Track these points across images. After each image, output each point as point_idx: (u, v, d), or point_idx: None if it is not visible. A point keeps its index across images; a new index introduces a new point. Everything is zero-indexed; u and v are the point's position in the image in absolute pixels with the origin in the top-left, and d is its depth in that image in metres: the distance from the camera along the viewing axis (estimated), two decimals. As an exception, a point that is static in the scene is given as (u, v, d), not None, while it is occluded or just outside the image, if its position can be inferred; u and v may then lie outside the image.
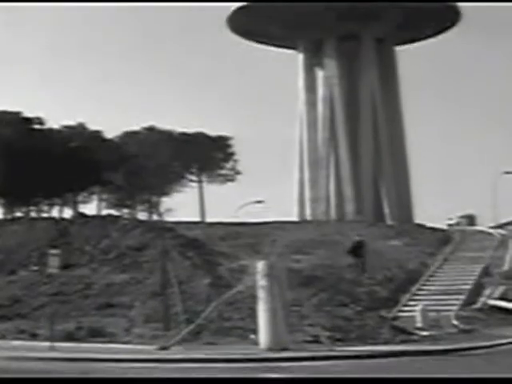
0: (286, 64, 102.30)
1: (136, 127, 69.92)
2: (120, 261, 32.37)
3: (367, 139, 74.98)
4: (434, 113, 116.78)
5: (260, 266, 21.70)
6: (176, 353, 20.38)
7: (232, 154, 72.51)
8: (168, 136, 69.98)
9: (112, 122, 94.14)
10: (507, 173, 61.83)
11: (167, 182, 69.57)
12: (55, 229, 37.32)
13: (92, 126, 63.54)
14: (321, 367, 17.92)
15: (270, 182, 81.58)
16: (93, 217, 47.07)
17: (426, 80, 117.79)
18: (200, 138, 71.09)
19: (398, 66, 78.76)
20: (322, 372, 17.01)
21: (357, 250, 34.57)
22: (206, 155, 70.66)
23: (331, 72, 76.07)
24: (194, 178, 72.45)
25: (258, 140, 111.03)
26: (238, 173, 72.51)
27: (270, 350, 20.49)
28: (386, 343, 22.21)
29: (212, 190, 72.03)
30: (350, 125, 74.89)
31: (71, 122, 63.18)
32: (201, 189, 72.48)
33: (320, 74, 78.21)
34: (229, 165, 72.56)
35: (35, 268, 31.64)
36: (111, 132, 65.55)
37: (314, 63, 77.90)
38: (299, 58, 78.53)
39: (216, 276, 29.19)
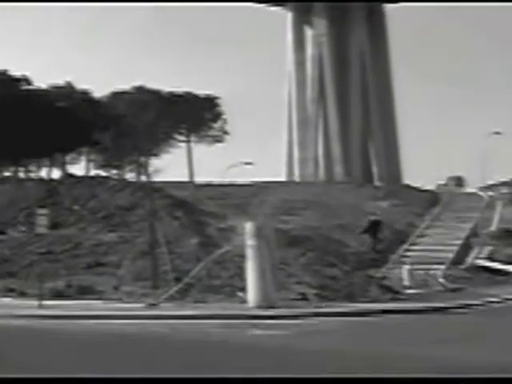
0: (275, 22, 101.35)
1: (125, 86, 69.46)
2: (109, 220, 32.39)
3: (356, 99, 74.70)
4: (423, 73, 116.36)
5: (248, 226, 21.77)
6: (165, 310, 20.52)
7: (220, 113, 72.10)
8: (156, 96, 69.46)
9: (100, 81, 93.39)
10: (496, 133, 61.84)
11: (156, 142, 69.26)
12: (44, 189, 37.23)
13: (80, 86, 63.07)
14: (308, 324, 18.08)
15: (259, 142, 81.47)
16: (81, 177, 46.91)
17: (416, 40, 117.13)
18: (188, 98, 70.62)
19: (388, 25, 78.12)
20: (308, 328, 17.16)
21: (372, 229, 33.19)
22: (195, 115, 70.26)
23: (320, 30, 75.47)
24: (182, 138, 72.14)
25: (247, 100, 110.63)
26: (226, 133, 72.21)
27: (258, 307, 20.66)
28: (373, 301, 22.41)
29: (201, 150, 71.85)
30: (338, 85, 74.48)
31: (59, 82, 62.62)
32: (189, 149, 72.27)
33: (309, 33, 77.60)
34: (217, 125, 72.19)
35: (23, 228, 31.62)
36: (100, 91, 65.19)
37: (302, 21, 77.18)
38: (288, 16, 77.83)
39: (204, 235, 29.27)
